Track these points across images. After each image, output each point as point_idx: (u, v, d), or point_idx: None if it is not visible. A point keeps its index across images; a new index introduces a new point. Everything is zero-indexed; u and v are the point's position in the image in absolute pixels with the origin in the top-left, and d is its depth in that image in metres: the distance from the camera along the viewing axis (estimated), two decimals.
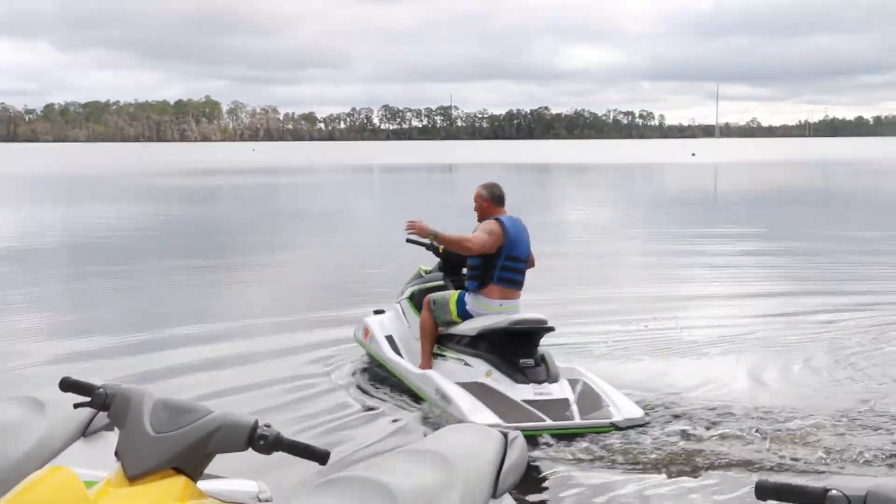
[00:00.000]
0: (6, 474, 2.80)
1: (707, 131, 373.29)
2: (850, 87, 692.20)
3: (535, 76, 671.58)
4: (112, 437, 3.20)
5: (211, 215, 30.42)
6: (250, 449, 2.49)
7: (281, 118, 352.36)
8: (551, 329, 7.55)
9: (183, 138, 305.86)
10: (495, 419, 6.64)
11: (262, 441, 2.47)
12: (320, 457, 2.49)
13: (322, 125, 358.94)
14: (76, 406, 2.72)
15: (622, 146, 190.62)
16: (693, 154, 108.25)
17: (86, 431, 3.24)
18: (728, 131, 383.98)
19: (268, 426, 2.50)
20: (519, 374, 7.24)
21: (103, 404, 2.61)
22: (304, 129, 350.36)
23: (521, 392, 7.10)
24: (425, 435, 6.06)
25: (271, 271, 16.38)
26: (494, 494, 2.85)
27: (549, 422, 6.73)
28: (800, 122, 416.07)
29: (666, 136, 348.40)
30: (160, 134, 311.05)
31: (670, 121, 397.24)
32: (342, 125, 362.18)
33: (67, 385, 2.74)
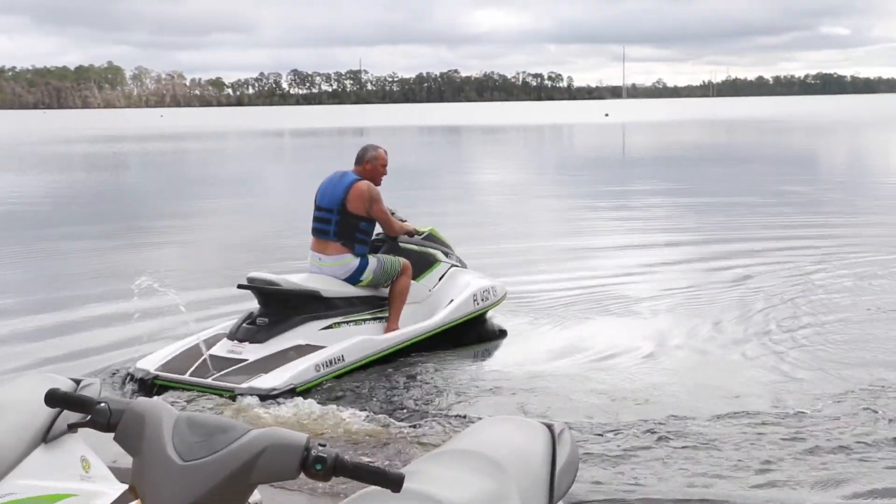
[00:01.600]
0: None
1: (615, 92, 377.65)
2: (749, 49, 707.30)
3: (443, 40, 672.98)
4: (76, 441, 2.71)
5: (131, 181, 29.50)
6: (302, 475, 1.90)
7: (187, 84, 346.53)
8: (290, 292, 7.48)
9: (85, 105, 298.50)
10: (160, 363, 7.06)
11: (318, 465, 1.86)
12: (393, 482, 1.88)
13: (230, 91, 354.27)
14: (70, 428, 2.22)
15: (535, 108, 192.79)
16: (606, 114, 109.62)
17: (46, 437, 2.61)
18: (635, 92, 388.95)
19: (322, 445, 1.90)
20: (236, 331, 7.37)
21: (107, 424, 1.97)
22: (212, 94, 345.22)
23: (218, 348, 7.26)
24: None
25: (187, 236, 15.63)
26: (552, 500, 2.39)
27: (184, 376, 6.90)
28: (703, 82, 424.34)
29: (574, 98, 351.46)
30: (61, 101, 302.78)
31: (578, 83, 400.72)
32: (250, 90, 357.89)
33: (56, 399, 2.06)
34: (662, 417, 6.08)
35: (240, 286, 7.65)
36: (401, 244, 8.27)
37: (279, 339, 7.34)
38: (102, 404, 1.97)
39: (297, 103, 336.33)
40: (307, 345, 7.35)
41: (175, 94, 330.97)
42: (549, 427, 2.60)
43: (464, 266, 8.98)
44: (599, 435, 5.78)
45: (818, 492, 4.95)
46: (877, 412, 6.13)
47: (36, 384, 2.67)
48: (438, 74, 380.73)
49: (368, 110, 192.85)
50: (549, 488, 2.39)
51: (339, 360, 7.33)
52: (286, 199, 22.59)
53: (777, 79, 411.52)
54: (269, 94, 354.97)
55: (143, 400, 2.01)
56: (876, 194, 20.53)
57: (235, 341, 7.32)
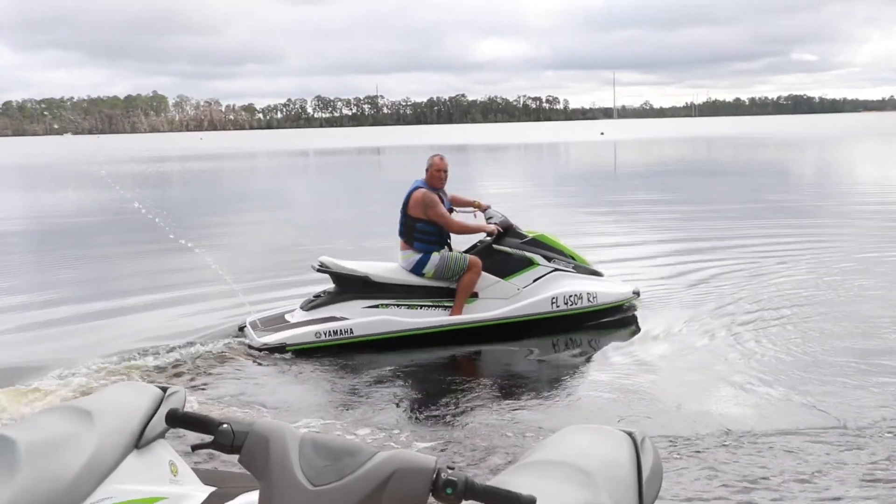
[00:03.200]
0: (59, 497, 2.18)
1: (607, 113, 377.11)
2: (727, 73, 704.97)
3: (451, 67, 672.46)
4: (164, 447, 2.58)
5: (182, 196, 29.58)
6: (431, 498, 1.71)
7: (223, 109, 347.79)
8: (340, 274, 8.22)
9: (134, 130, 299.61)
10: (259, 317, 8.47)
11: (448, 489, 1.66)
12: None
13: (261, 115, 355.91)
14: (194, 449, 1.95)
15: (535, 128, 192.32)
16: (602, 133, 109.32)
17: (139, 443, 2.50)
18: (625, 113, 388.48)
19: (451, 468, 1.72)
20: (306, 302, 8.41)
21: (231, 446, 1.79)
22: (245, 119, 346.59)
23: (294, 315, 8.33)
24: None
25: (237, 239, 15.80)
26: None
27: (246, 328, 8.24)
28: (686, 103, 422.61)
29: (570, 119, 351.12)
30: (112, 127, 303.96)
31: (574, 105, 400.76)
32: (279, 115, 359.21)
33: (177, 419, 1.92)
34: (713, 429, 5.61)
35: (314, 268, 8.35)
36: (494, 246, 8.49)
37: (322, 309, 8.17)
38: (225, 426, 1.81)
39: (321, 126, 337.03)
40: (340, 317, 8.06)
41: (212, 118, 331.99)
42: (631, 435, 2.39)
43: (586, 272, 8.80)
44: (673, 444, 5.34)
45: None
46: None
47: (127, 391, 2.60)
48: (447, 98, 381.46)
49: (384, 132, 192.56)
50: (639, 497, 2.19)
51: (346, 331, 7.95)
52: (314, 209, 22.73)
53: (752, 100, 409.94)
54: (295, 118, 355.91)
55: (266, 421, 1.81)
56: (842, 202, 20.62)
57: (299, 309, 8.29)
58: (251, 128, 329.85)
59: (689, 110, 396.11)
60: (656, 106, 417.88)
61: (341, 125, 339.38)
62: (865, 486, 4.65)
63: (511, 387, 6.92)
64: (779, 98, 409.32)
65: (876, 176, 30.24)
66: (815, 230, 15.13)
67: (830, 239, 13.98)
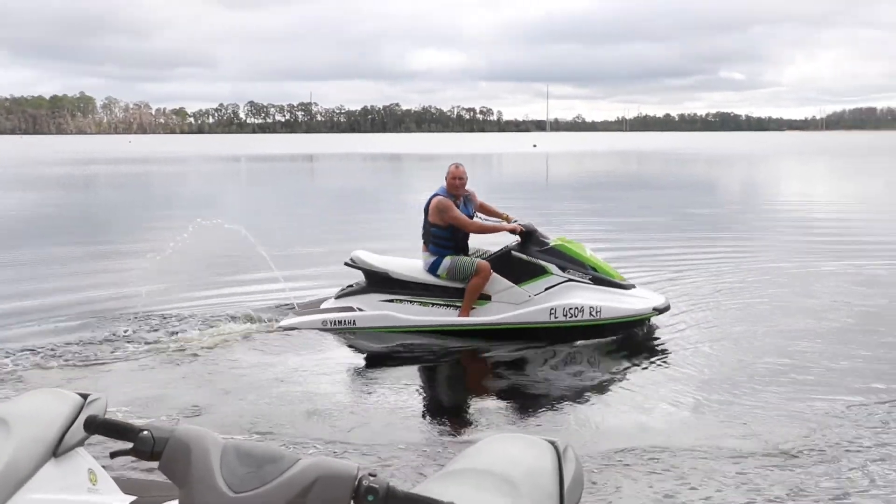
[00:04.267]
0: None
1: (539, 126, 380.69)
2: (658, 89, 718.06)
3: (386, 76, 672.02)
4: (83, 455, 2.48)
5: (107, 198, 29.01)
6: None
7: (153, 113, 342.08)
8: (363, 269, 8.96)
9: (59, 131, 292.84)
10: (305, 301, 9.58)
11: (370, 496, 1.64)
12: None
13: (192, 119, 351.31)
14: (113, 456, 1.89)
15: (468, 138, 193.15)
16: (535, 145, 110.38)
17: (56, 451, 2.39)
18: (557, 126, 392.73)
19: (373, 475, 1.68)
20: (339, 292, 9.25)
21: (150, 453, 1.73)
22: (176, 123, 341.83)
23: (327, 302, 9.21)
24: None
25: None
26: None
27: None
28: (618, 118, 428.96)
29: (504, 130, 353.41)
30: (36, 127, 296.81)
31: (507, 116, 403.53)
32: (211, 120, 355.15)
33: (95, 426, 1.84)
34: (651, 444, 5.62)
35: (346, 263, 9.10)
36: (513, 253, 8.72)
37: (347, 299, 8.98)
38: (145, 432, 1.74)
39: (254, 132, 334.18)
40: (357, 307, 8.84)
41: (142, 122, 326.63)
42: (554, 444, 2.39)
43: (609, 284, 8.71)
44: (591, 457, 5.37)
45: None
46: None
47: (46, 398, 2.49)
48: (382, 107, 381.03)
49: (318, 139, 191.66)
50: None
51: (350, 322, 8.77)
52: (245, 213, 22.51)
53: (682, 116, 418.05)
54: (227, 123, 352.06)
55: (187, 427, 1.77)
56: (764, 216, 21.18)
57: (332, 297, 9.18)
58: (182, 132, 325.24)
59: (621, 125, 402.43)
60: (588, 120, 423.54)
61: (274, 131, 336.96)
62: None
63: (450, 395, 7.04)
64: (707, 115, 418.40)
65: (797, 192, 31.14)
66: (738, 243, 15.57)
67: (751, 251, 14.41)
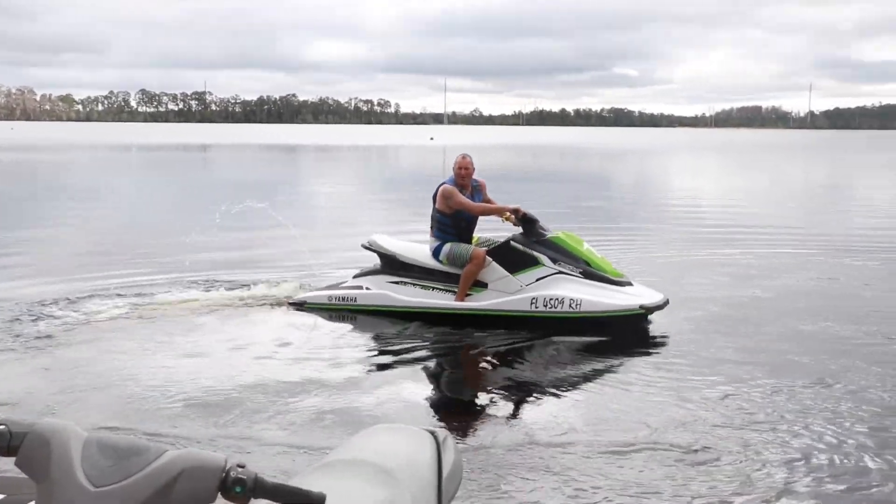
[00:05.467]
0: None
1: (437, 119, 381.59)
2: (554, 84, 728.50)
3: (283, 66, 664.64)
4: None
5: None
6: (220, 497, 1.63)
7: (38, 99, 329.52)
8: (376, 252, 9.40)
9: None
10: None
11: (238, 488, 1.58)
12: (315, 502, 1.65)
13: (80, 107, 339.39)
14: None
15: (366, 130, 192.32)
16: (432, 138, 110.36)
17: None
18: (455, 119, 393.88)
19: (241, 466, 1.62)
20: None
21: (7, 448, 1.62)
22: (62, 110, 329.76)
23: (347, 281, 9.68)
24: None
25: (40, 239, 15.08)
26: None
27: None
28: (515, 112, 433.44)
29: (401, 123, 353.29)
30: None
31: (405, 109, 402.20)
32: (100, 107, 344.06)
33: None
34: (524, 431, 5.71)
35: (363, 245, 9.58)
36: (511, 243, 8.96)
37: (360, 279, 9.43)
38: (1, 426, 1.62)
39: (145, 120, 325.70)
40: (365, 287, 9.26)
41: (25, 108, 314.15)
42: (433, 434, 2.40)
43: (601, 279, 8.72)
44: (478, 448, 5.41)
45: None
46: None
47: None
48: (278, 98, 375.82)
49: (212, 129, 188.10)
50: (438, 495, 2.21)
51: (351, 299, 9.23)
52: (142, 206, 22.00)
53: (577, 111, 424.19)
54: (118, 111, 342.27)
55: (48, 421, 1.67)
56: (655, 208, 21.79)
57: (351, 277, 9.63)
58: (68, 119, 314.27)
59: (518, 119, 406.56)
60: (486, 113, 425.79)
61: (167, 120, 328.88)
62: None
63: (361, 384, 6.88)
64: (602, 110, 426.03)
65: (687, 186, 32.10)
66: (627, 234, 16.01)
67: (638, 241, 14.90)
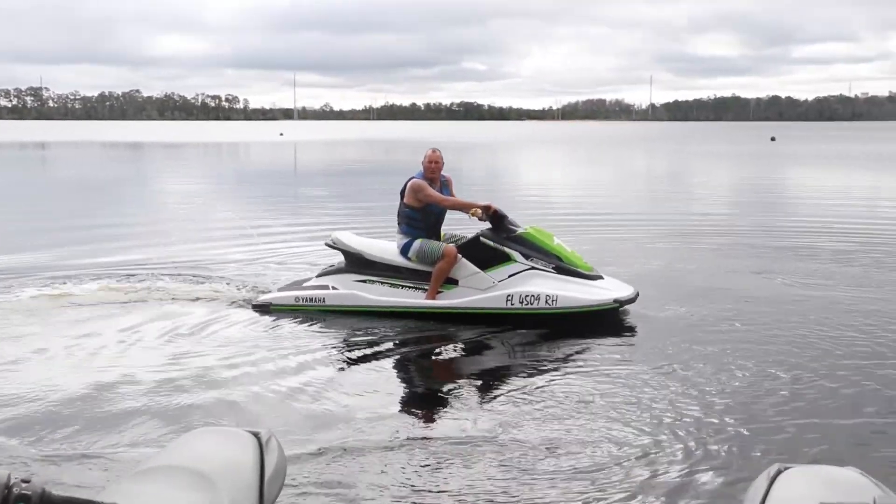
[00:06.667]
0: None
1: (287, 114, 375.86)
2: (404, 78, 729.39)
3: (126, 61, 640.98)
4: None
5: None
6: None
7: None
8: (341, 250, 9.25)
9: None
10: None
11: None
12: None
13: None
14: None
15: (214, 127, 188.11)
16: (281, 134, 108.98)
17: None
18: (305, 114, 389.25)
19: (27, 481, 1.56)
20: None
21: None
22: None
23: (310, 280, 9.45)
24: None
25: None
26: None
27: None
28: (365, 107, 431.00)
29: (250, 119, 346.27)
30: None
31: (254, 105, 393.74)
32: None
33: None
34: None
35: (326, 244, 9.45)
36: (481, 238, 8.84)
37: (323, 278, 9.24)
38: None
39: None
40: (331, 286, 9.05)
41: None
42: (256, 435, 2.36)
43: (573, 274, 8.69)
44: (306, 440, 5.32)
45: None
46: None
47: None
48: (121, 94, 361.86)
49: (50, 126, 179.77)
50: (259, 496, 2.18)
51: (319, 300, 9.01)
52: None
53: (427, 105, 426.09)
54: None
55: None
56: (507, 196, 22.25)
57: (314, 276, 9.49)
58: None
59: (368, 113, 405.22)
60: (336, 108, 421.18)
61: (0, 118, 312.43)
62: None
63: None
64: (452, 104, 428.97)
65: (536, 176, 32.92)
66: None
67: None
